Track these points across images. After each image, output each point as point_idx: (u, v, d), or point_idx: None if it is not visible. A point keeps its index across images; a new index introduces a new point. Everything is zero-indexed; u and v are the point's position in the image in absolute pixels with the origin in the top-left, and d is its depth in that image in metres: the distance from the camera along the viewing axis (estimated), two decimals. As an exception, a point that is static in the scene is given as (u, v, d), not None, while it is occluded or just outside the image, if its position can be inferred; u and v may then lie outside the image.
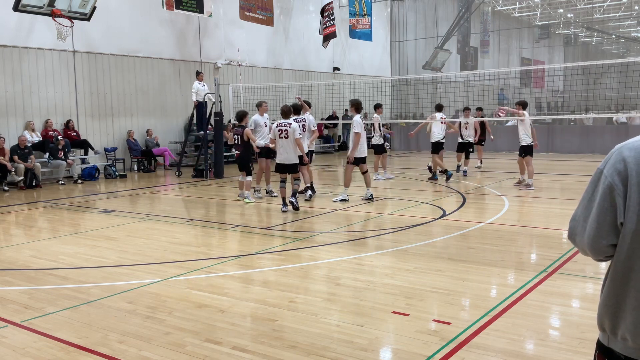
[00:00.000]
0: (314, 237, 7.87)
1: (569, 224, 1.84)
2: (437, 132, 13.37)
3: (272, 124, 10.62)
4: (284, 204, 9.73)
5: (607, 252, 1.75)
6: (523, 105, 12.05)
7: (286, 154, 9.66)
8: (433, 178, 13.54)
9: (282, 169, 9.76)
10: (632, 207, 1.64)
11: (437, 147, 13.37)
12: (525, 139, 11.74)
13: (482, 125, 15.03)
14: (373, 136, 13.81)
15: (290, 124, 9.64)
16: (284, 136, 9.58)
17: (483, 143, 15.51)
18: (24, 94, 14.83)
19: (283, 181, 9.79)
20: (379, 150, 13.73)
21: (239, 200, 11.01)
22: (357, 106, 10.51)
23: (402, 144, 24.18)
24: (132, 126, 17.24)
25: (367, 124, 14.19)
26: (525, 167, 11.90)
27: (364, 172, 10.65)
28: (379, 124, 13.32)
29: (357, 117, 10.35)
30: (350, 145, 10.61)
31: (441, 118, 13.47)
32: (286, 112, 9.85)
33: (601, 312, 1.80)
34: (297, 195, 9.95)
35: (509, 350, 3.94)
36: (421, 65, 26.35)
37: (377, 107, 13.78)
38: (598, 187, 1.72)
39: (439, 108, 13.67)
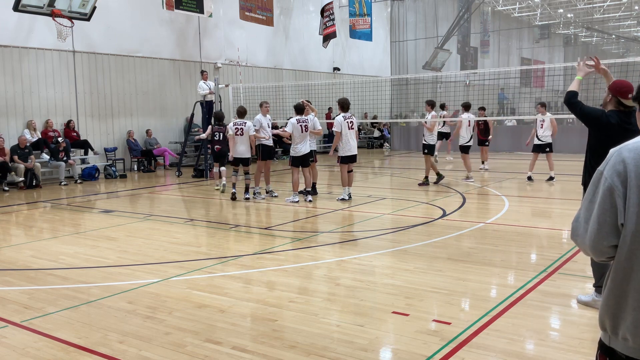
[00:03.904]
0: (314, 237, 7.87)
1: (571, 225, 1.85)
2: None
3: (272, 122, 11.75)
4: (234, 188, 11.17)
5: (609, 253, 1.75)
6: (467, 107, 13.84)
7: (241, 149, 10.84)
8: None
9: (238, 161, 11.00)
10: (632, 208, 1.65)
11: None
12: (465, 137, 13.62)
13: (486, 125, 14.91)
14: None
15: (246, 122, 10.80)
16: (240, 133, 10.75)
17: (487, 143, 15.10)
18: (24, 94, 14.83)
19: (236, 171, 11.26)
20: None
21: (216, 189, 12.31)
22: (342, 105, 10.77)
23: (402, 144, 24.18)
24: (132, 126, 17.24)
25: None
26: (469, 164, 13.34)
27: (349, 172, 10.82)
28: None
29: (339, 117, 10.61)
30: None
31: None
32: (242, 113, 10.94)
33: (602, 312, 1.80)
34: (250, 189, 11.14)
35: (509, 350, 3.94)
36: (421, 65, 26.33)
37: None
38: (598, 189, 1.73)
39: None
